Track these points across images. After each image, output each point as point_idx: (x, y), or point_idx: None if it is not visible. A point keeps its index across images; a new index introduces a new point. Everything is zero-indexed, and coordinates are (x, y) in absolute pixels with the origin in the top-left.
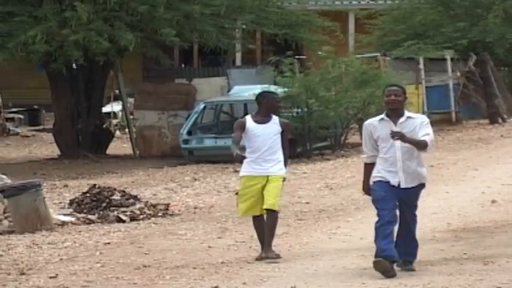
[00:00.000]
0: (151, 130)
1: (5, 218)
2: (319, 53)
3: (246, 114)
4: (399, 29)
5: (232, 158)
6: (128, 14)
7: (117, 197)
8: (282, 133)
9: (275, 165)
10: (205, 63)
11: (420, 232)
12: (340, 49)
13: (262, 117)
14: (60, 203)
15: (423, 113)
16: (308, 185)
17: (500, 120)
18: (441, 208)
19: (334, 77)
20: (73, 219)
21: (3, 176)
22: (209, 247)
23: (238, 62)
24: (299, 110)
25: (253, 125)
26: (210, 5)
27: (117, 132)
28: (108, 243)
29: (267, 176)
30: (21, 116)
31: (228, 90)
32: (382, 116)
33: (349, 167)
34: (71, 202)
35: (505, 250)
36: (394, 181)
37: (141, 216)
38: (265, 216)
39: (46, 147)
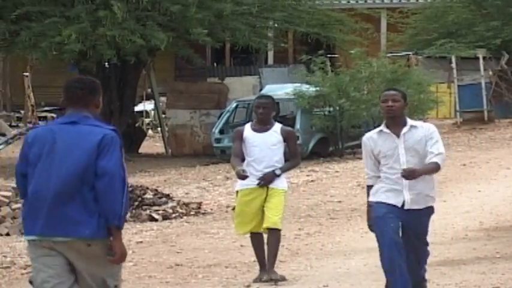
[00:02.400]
0: (184, 129)
1: None
2: (351, 52)
3: (277, 113)
4: (431, 28)
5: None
6: (160, 14)
7: (149, 195)
8: (287, 142)
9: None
10: (237, 62)
11: (452, 231)
12: (372, 48)
13: (260, 125)
14: None
15: (455, 111)
16: (340, 184)
17: None
18: (473, 207)
19: (365, 77)
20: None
21: None
22: (241, 246)
23: (270, 61)
24: (331, 109)
25: (251, 134)
26: (242, 4)
27: (150, 131)
28: (141, 242)
29: (267, 189)
30: (54, 115)
31: (260, 89)
32: (381, 127)
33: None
34: None
35: None
36: (397, 201)
37: (174, 215)
38: (265, 235)
39: None
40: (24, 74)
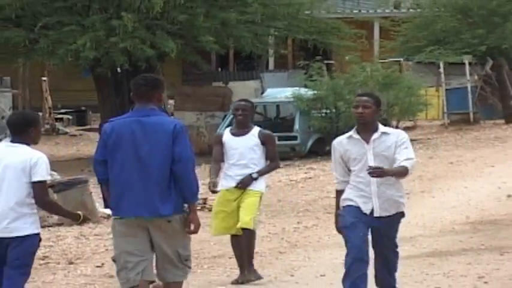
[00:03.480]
0: (190, 129)
1: None
2: (347, 57)
3: (278, 114)
4: (421, 36)
5: None
6: (168, 23)
7: None
8: (265, 146)
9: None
10: (241, 67)
11: (440, 224)
12: (365, 54)
13: (239, 129)
14: None
15: (443, 113)
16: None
17: None
18: (460, 202)
19: (359, 81)
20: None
21: (53, 173)
22: None
23: (271, 66)
24: (327, 111)
25: (230, 138)
26: (246, 13)
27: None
28: None
29: (242, 191)
30: (70, 117)
31: (262, 93)
32: (351, 132)
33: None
34: None
35: None
36: (366, 208)
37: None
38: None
39: (93, 145)
40: (42, 78)
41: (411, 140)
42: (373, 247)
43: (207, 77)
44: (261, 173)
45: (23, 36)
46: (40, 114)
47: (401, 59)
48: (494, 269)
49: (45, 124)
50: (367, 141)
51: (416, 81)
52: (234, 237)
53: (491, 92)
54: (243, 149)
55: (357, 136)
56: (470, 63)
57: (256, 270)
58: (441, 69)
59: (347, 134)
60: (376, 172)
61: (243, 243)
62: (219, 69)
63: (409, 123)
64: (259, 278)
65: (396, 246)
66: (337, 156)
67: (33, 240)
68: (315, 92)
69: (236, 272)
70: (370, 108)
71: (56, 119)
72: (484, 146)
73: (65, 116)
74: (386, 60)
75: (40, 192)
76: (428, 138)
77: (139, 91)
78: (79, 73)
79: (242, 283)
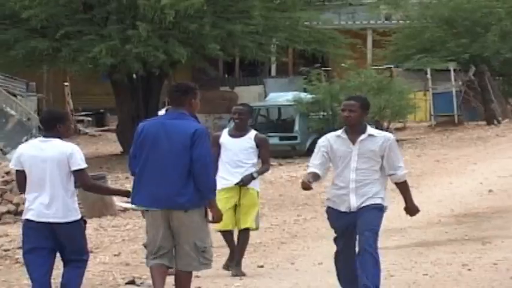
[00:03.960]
0: None
1: (78, 204)
2: (343, 64)
3: (279, 116)
4: (410, 45)
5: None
6: (179, 32)
7: None
8: (259, 149)
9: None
10: (245, 73)
11: (427, 217)
12: (360, 62)
13: (236, 131)
14: None
15: (430, 115)
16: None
17: (495, 122)
18: (445, 196)
19: (354, 86)
20: (133, 206)
21: None
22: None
23: (273, 72)
24: (325, 113)
25: (227, 139)
26: (250, 24)
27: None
28: None
29: (240, 189)
30: (89, 119)
31: (265, 97)
32: (340, 132)
33: None
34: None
35: (500, 232)
36: (344, 207)
37: None
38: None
39: (110, 145)
40: (64, 83)
41: (401, 140)
42: (360, 240)
43: (215, 82)
44: (259, 173)
45: (47, 45)
46: None
47: (392, 66)
48: (477, 258)
49: None
50: (354, 142)
51: (406, 86)
52: (227, 233)
53: (474, 96)
54: (238, 150)
55: (345, 136)
56: (455, 70)
57: (241, 267)
58: (428, 75)
59: (336, 133)
60: (415, 213)
61: (241, 241)
62: (226, 75)
63: (399, 125)
64: (244, 275)
65: (376, 236)
66: (323, 149)
67: (80, 224)
68: (314, 96)
69: (242, 260)
70: (356, 112)
71: (77, 121)
72: (467, 145)
73: (85, 118)
74: (378, 67)
75: (82, 179)
76: (417, 138)
77: (172, 96)
78: (98, 78)
79: (232, 274)
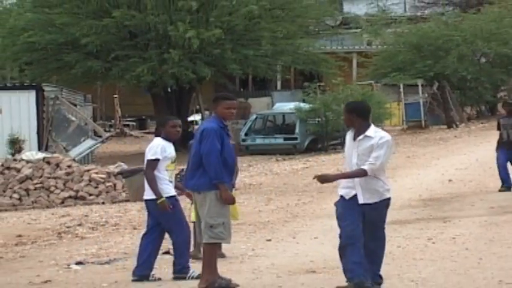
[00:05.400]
0: None
1: (123, 191)
2: (334, 80)
3: (283, 122)
4: (386, 65)
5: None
6: (205, 56)
7: None
8: None
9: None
10: (257, 87)
11: (401, 201)
12: (347, 78)
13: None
14: None
15: (403, 121)
16: (326, 169)
17: (454, 126)
18: (414, 185)
19: (343, 97)
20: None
21: (122, 164)
22: (259, 211)
23: (278, 87)
24: (320, 119)
25: None
26: (260, 50)
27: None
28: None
29: None
30: (134, 123)
31: (272, 106)
32: (351, 131)
33: None
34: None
35: (458, 213)
36: (349, 195)
37: None
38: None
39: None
40: (114, 95)
41: None
42: (366, 237)
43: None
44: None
45: (100, 65)
46: (112, 121)
47: (373, 82)
48: (439, 233)
49: (116, 129)
50: (355, 140)
51: (383, 97)
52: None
53: (437, 106)
54: None
55: (352, 133)
56: (422, 85)
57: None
58: (401, 89)
59: (350, 131)
60: (319, 180)
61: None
62: (241, 89)
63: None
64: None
65: (383, 231)
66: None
67: (171, 201)
68: (311, 105)
69: (254, 235)
70: (348, 117)
71: (124, 125)
72: (432, 144)
73: (130, 123)
74: (362, 83)
75: (147, 167)
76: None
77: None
78: (140, 92)
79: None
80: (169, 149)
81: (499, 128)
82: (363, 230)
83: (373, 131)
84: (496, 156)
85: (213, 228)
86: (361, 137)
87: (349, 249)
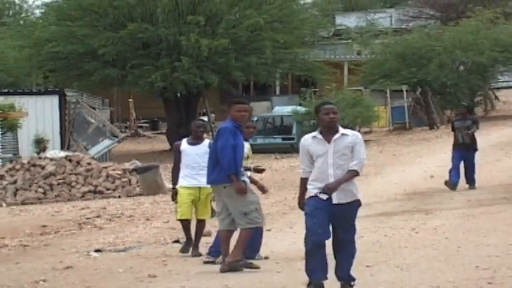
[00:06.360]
0: None
1: (138, 186)
2: (327, 86)
3: (282, 123)
4: (375, 72)
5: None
6: (212, 64)
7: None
8: None
9: (204, 178)
10: (258, 92)
11: (387, 195)
12: (339, 84)
13: (194, 140)
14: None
15: (389, 123)
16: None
17: (435, 127)
18: (400, 180)
19: (336, 101)
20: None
21: (136, 161)
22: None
23: (277, 92)
24: (314, 121)
25: (186, 146)
26: (262, 58)
27: (205, 134)
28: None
29: (199, 188)
30: (147, 125)
31: (272, 109)
32: (316, 133)
33: None
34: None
35: (439, 206)
36: (325, 196)
37: None
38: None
39: (162, 143)
40: (129, 100)
41: (369, 141)
42: (333, 231)
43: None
44: None
45: (117, 73)
46: (127, 123)
47: (362, 88)
48: (422, 224)
49: (131, 130)
50: (329, 141)
51: (372, 102)
52: (186, 221)
53: (420, 109)
54: (195, 155)
55: (320, 137)
56: (406, 90)
57: (198, 249)
58: (388, 94)
59: (312, 134)
60: (327, 192)
61: (198, 230)
62: (244, 93)
63: (367, 129)
64: (200, 255)
65: (355, 231)
66: (305, 150)
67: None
68: (306, 108)
69: None
70: (337, 113)
71: (138, 127)
72: (415, 144)
73: (144, 124)
74: (352, 88)
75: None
76: (379, 139)
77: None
78: (153, 96)
79: (195, 256)
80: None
81: (453, 130)
82: (335, 227)
83: (343, 129)
84: (451, 156)
85: (247, 215)
86: (337, 135)
87: (316, 252)
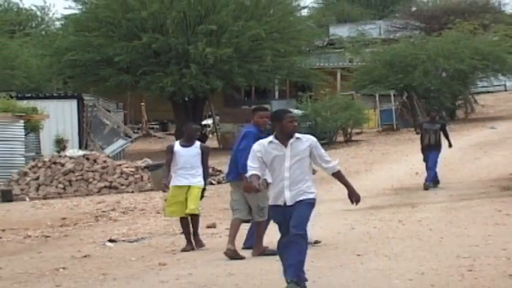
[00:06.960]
0: (229, 134)
1: (149, 182)
2: (322, 91)
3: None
4: (365, 78)
5: None
6: (217, 70)
7: (210, 170)
8: (202, 155)
9: (195, 178)
10: (258, 97)
11: (376, 190)
12: (332, 89)
13: (186, 142)
14: None
15: (378, 124)
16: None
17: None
18: (388, 176)
19: (330, 105)
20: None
21: (148, 159)
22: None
23: (276, 96)
24: (310, 123)
25: (179, 148)
26: (262, 65)
27: (210, 135)
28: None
29: (189, 186)
30: (158, 126)
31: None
32: (271, 138)
33: (337, 154)
34: None
35: (423, 200)
36: (280, 201)
37: (223, 182)
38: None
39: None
40: (141, 103)
41: (360, 140)
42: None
43: (239, 103)
44: (204, 177)
45: (130, 79)
46: (140, 124)
47: (354, 92)
48: (408, 217)
49: (143, 131)
50: (285, 145)
51: (362, 105)
52: (183, 220)
53: (407, 112)
54: (188, 157)
55: (276, 141)
56: (394, 95)
57: (201, 240)
58: (377, 98)
59: (268, 139)
60: (358, 200)
61: (194, 224)
62: (246, 98)
63: (358, 130)
64: (203, 245)
65: (305, 231)
66: (258, 154)
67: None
68: (303, 111)
69: None
70: (297, 121)
71: (149, 128)
72: (402, 143)
73: (155, 126)
74: (345, 93)
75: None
76: (369, 139)
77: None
78: (163, 100)
79: (192, 249)
80: None
81: (421, 131)
82: (289, 226)
83: (297, 134)
84: (423, 158)
85: (263, 210)
86: (293, 140)
87: (285, 252)
